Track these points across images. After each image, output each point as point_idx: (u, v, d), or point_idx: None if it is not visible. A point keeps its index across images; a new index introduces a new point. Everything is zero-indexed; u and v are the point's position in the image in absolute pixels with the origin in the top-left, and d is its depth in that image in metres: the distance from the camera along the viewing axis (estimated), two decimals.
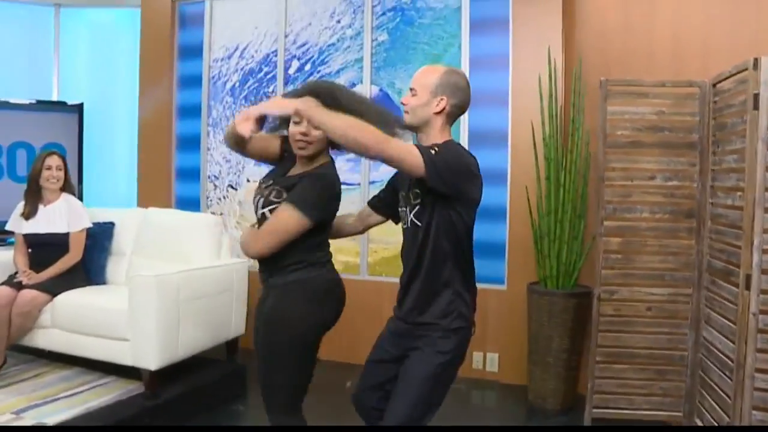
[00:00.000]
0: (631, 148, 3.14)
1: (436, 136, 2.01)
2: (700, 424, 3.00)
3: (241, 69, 4.64)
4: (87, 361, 3.45)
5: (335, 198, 2.06)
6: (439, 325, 1.99)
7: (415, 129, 2.05)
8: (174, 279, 3.24)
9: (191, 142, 4.78)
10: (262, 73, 4.58)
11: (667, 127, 3.09)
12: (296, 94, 1.99)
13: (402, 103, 2.05)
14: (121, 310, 3.24)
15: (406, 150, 1.85)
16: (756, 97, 2.55)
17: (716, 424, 2.80)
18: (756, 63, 2.54)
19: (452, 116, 2.05)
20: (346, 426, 2.34)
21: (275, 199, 2.00)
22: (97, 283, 3.85)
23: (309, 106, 1.86)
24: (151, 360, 3.14)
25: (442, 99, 1.99)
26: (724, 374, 2.74)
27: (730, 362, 2.69)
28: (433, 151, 1.86)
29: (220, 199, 4.72)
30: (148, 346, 3.14)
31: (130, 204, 4.77)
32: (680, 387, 3.14)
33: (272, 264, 2.04)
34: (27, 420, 2.86)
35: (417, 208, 1.98)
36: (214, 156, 4.73)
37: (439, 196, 1.92)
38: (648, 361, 3.15)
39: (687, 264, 3.11)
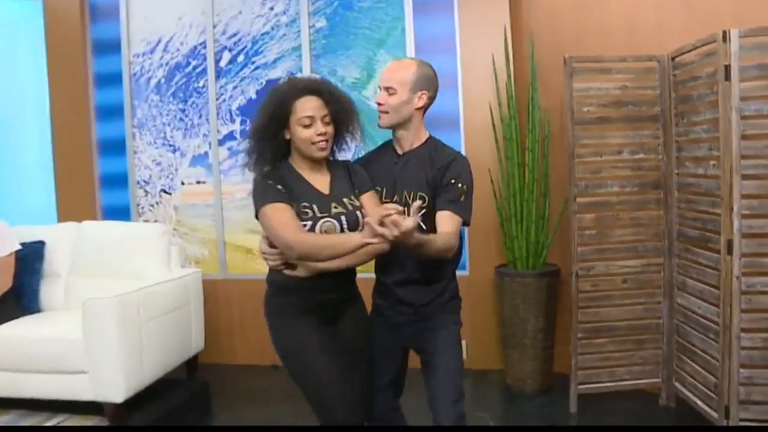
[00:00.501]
0: (598, 124, 3.16)
1: (417, 131, 2.07)
2: (680, 387, 3.10)
3: (166, 63, 4.28)
4: (28, 402, 3.07)
5: None
6: (447, 305, 2.12)
7: (393, 128, 2.07)
8: (134, 298, 2.95)
9: (115, 146, 4.38)
10: (190, 67, 4.25)
11: (630, 101, 3.14)
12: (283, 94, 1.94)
13: (378, 103, 2.03)
14: (73, 339, 2.91)
15: (458, 226, 1.98)
16: (727, 68, 2.61)
17: (701, 387, 2.89)
18: (725, 35, 2.61)
19: (427, 108, 2.10)
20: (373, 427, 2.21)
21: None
22: (32, 312, 3.43)
23: (410, 231, 1.66)
24: (117, 391, 2.85)
25: (423, 93, 2.03)
26: (708, 337, 2.83)
27: (714, 325, 2.78)
28: (462, 197, 1.98)
29: (152, 205, 4.37)
30: (112, 377, 2.84)
31: (48, 218, 4.31)
32: (658, 354, 3.22)
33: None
34: None
35: (423, 212, 1.93)
36: (142, 159, 4.36)
37: None
38: (627, 333, 3.21)
39: (657, 234, 3.19)
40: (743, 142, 2.63)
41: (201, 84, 4.24)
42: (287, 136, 1.95)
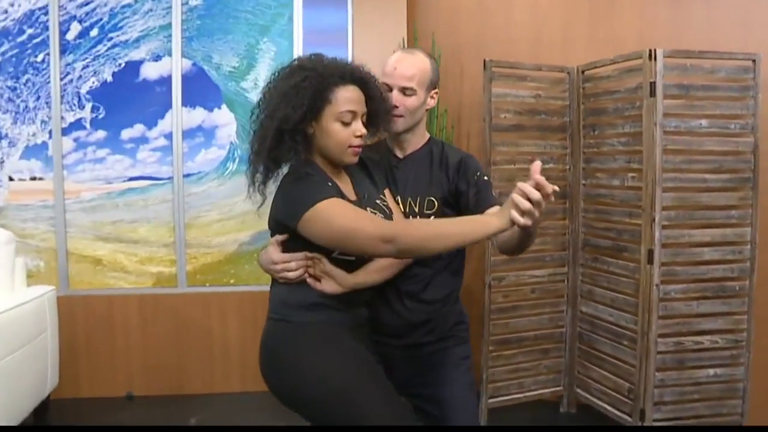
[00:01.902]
0: (513, 132, 3.11)
1: (422, 133, 1.89)
2: (583, 393, 3.16)
3: None
4: None
5: None
6: (454, 332, 1.87)
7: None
8: None
9: None
10: (24, 36, 3.47)
11: (543, 110, 3.14)
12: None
13: (395, 106, 1.75)
14: None
15: None
16: (652, 85, 2.70)
17: (611, 392, 2.96)
18: (651, 54, 2.70)
19: None
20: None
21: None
22: None
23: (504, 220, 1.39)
24: None
25: (435, 92, 1.87)
26: (621, 344, 2.91)
27: (628, 332, 2.86)
28: (486, 178, 1.79)
29: None
30: None
31: None
32: (560, 362, 3.26)
33: None
34: None
35: (432, 219, 1.76)
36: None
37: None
38: (533, 343, 3.21)
39: (562, 243, 3.22)
40: (664, 156, 2.74)
41: (40, 59, 3.48)
42: (310, 131, 1.57)
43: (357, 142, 1.58)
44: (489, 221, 1.38)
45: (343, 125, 1.56)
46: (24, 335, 2.56)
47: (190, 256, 3.63)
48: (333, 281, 1.56)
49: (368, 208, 1.60)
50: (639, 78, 2.76)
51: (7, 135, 3.49)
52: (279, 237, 1.60)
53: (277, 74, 1.59)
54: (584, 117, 3.13)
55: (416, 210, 1.77)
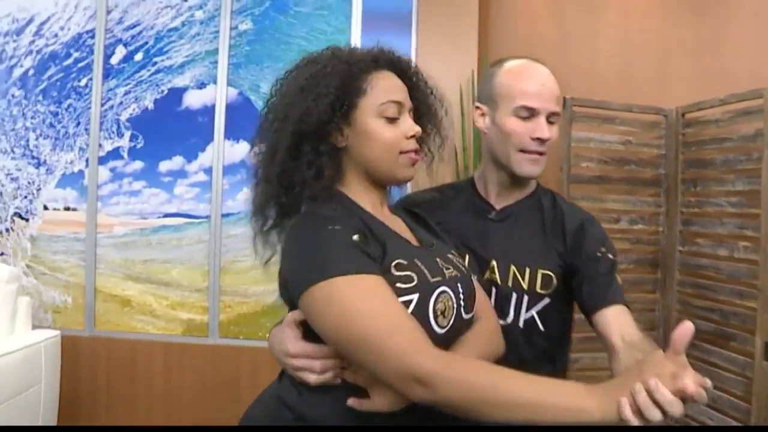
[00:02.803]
0: (597, 184, 2.60)
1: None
2: None
3: (38, 51, 3.29)
4: None
5: None
6: None
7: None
8: None
9: None
10: (70, 60, 3.29)
11: (633, 160, 2.62)
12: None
13: (542, 140, 1.30)
14: None
15: None
16: None
17: None
18: None
19: None
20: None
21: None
22: None
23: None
24: None
25: None
26: None
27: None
28: (617, 275, 1.34)
29: (0, 232, 3.30)
30: None
31: None
32: None
33: None
34: None
35: (545, 302, 1.30)
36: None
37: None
38: None
39: (651, 321, 2.65)
40: None
41: (83, 83, 3.28)
42: (340, 144, 1.12)
43: (410, 145, 1.11)
44: (586, 405, 0.86)
45: (387, 122, 1.10)
46: (14, 385, 2.25)
47: (225, 304, 3.28)
48: (388, 393, 0.99)
49: (438, 259, 1.10)
50: (758, 123, 2.21)
51: (45, 162, 3.30)
52: (297, 314, 1.08)
53: (285, 74, 1.18)
54: (684, 169, 2.58)
55: (524, 285, 1.30)
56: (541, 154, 1.31)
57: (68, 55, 3.30)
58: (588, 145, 2.57)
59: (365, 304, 0.93)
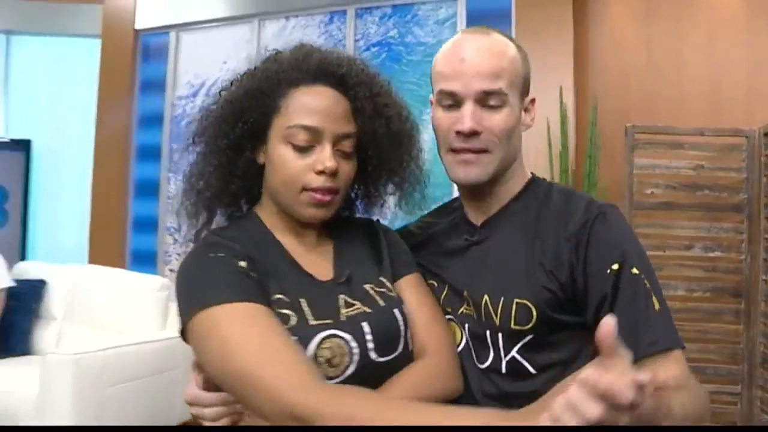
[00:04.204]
0: (664, 210, 2.56)
1: (516, 177, 1.14)
2: None
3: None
4: None
5: None
6: None
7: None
8: (98, 358, 2.62)
9: (149, 189, 4.21)
10: None
11: (707, 185, 2.53)
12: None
13: (472, 132, 1.03)
14: (27, 394, 2.62)
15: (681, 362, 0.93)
16: None
17: None
18: None
19: None
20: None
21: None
22: (18, 353, 3.21)
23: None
24: None
25: (532, 100, 1.16)
26: None
27: None
28: (653, 300, 0.96)
29: (179, 254, 4.12)
30: None
31: (80, 258, 4.16)
32: None
33: None
34: None
35: (528, 338, 0.99)
36: (174, 204, 4.15)
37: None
38: None
39: (733, 355, 2.50)
40: None
41: None
42: (260, 160, 1.03)
43: (317, 181, 0.96)
44: (479, 416, 0.80)
45: (296, 150, 0.96)
46: (154, 366, 2.89)
47: None
48: None
49: (342, 296, 0.97)
50: None
51: None
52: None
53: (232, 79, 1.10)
54: (766, 193, 2.43)
55: (496, 322, 1.00)
56: (475, 152, 1.01)
57: None
58: (653, 172, 2.55)
59: (242, 334, 0.84)
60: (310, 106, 0.97)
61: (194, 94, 4.13)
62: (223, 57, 4.04)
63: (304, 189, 0.96)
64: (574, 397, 0.61)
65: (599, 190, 2.94)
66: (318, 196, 0.96)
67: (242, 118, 1.01)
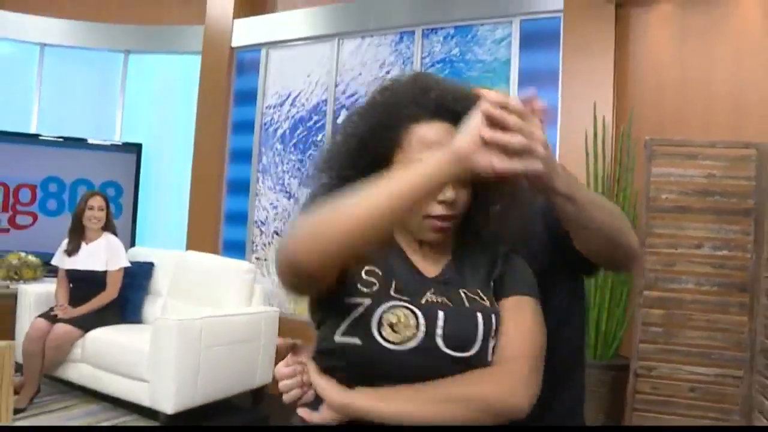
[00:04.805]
0: (678, 214, 2.90)
1: None
2: None
3: (292, 117, 4.69)
4: (114, 398, 3.48)
5: None
6: None
7: None
8: (196, 324, 3.23)
9: (241, 187, 4.85)
10: (311, 122, 4.61)
11: (718, 191, 2.85)
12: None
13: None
14: (143, 350, 3.26)
15: None
16: None
17: None
18: None
19: None
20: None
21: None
22: (132, 322, 3.90)
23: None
24: (168, 403, 3.13)
25: None
26: None
27: None
28: None
29: (265, 244, 4.74)
30: (166, 390, 3.13)
31: (179, 245, 4.86)
32: None
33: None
34: None
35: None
36: (261, 201, 4.78)
37: None
38: None
39: (738, 343, 2.81)
40: None
41: (319, 138, 4.57)
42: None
43: (437, 210, 1.03)
44: (428, 166, 0.88)
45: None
46: (238, 335, 3.49)
47: None
48: (334, 407, 0.96)
49: (431, 289, 1.03)
50: None
51: (294, 195, 4.66)
52: (289, 340, 1.12)
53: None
54: None
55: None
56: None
57: (310, 119, 4.62)
58: (668, 179, 2.89)
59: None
60: (430, 141, 1.03)
61: (281, 104, 4.74)
62: (307, 71, 4.63)
63: (426, 216, 1.04)
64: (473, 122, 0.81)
65: (630, 194, 3.29)
66: (438, 223, 1.04)
67: (367, 151, 1.07)
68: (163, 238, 5.10)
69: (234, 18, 4.87)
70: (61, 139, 5.00)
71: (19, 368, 3.34)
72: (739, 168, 2.84)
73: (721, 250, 2.84)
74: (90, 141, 5.06)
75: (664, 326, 2.90)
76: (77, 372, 3.57)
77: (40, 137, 5.00)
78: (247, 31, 4.86)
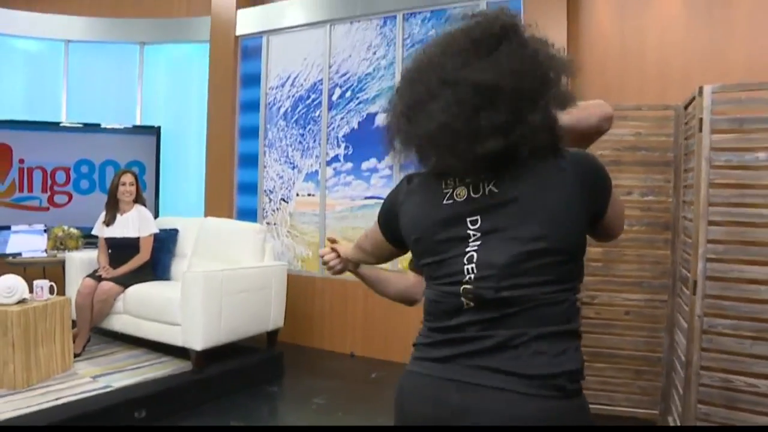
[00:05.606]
0: (613, 166, 3.46)
1: None
2: (671, 422, 3.27)
3: (292, 96, 5.27)
4: (151, 344, 4.15)
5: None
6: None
7: None
8: (218, 276, 3.87)
9: (250, 160, 5.47)
10: (309, 100, 5.19)
11: (644, 147, 3.40)
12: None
13: None
14: (175, 299, 3.91)
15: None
16: (701, 121, 2.85)
17: (678, 422, 3.07)
18: (701, 91, 2.86)
19: None
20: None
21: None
22: (162, 279, 4.57)
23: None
24: (197, 341, 3.78)
25: None
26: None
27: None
28: None
29: (274, 210, 5.37)
30: (195, 330, 3.78)
31: (198, 213, 5.51)
32: (657, 386, 3.41)
33: None
34: (101, 382, 3.54)
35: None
36: (269, 173, 5.39)
37: None
38: (627, 362, 3.45)
39: (665, 272, 3.39)
40: (712, 190, 2.84)
41: (317, 114, 5.15)
42: None
43: None
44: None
45: None
46: (252, 285, 4.14)
47: None
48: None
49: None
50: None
51: (297, 165, 5.26)
52: (329, 240, 1.74)
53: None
54: (685, 152, 3.28)
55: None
56: None
57: (308, 97, 5.20)
58: (603, 137, 3.43)
59: None
60: None
61: (282, 85, 5.32)
62: (304, 54, 5.21)
63: None
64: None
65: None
66: None
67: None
68: (182, 209, 5.74)
69: (237, 8, 5.44)
70: (88, 126, 5.62)
71: (73, 325, 4.01)
72: (661, 126, 3.39)
73: (647, 196, 3.41)
74: (113, 126, 5.68)
75: (602, 261, 3.48)
76: (120, 322, 4.24)
77: (70, 125, 5.64)
78: (250, 20, 5.43)
